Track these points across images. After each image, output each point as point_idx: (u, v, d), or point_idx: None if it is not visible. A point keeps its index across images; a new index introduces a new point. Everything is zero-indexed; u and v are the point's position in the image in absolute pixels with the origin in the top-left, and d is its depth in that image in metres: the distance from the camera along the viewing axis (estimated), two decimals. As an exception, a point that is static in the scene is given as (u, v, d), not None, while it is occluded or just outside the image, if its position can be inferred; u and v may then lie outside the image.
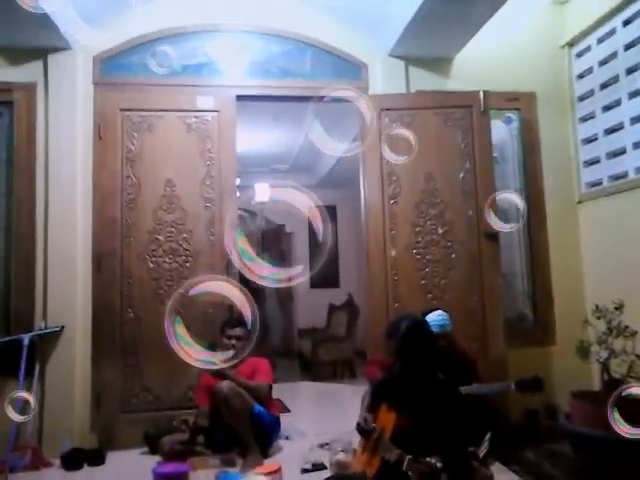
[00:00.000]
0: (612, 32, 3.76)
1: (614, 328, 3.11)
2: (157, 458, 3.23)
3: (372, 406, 2.63)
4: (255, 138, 6.33)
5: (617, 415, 2.17)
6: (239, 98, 3.88)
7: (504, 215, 3.96)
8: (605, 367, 3.01)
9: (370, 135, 3.80)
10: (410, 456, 2.22)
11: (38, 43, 3.61)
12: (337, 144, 2.62)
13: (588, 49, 4.04)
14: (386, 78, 4.02)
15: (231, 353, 2.54)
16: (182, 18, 3.90)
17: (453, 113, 3.87)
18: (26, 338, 3.32)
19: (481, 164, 3.82)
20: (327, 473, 2.86)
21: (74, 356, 3.55)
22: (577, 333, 3.46)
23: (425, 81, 4.06)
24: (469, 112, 3.85)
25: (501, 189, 3.98)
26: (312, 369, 6.58)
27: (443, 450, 2.25)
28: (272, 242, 8.48)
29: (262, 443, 3.23)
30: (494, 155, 3.95)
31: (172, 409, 3.53)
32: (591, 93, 4.02)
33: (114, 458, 3.37)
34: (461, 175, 3.82)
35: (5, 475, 3.02)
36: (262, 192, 6.59)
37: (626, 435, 2.17)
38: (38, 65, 3.70)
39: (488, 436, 2.62)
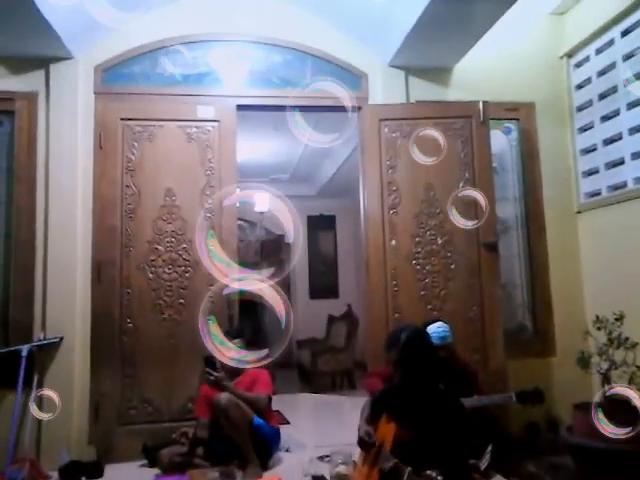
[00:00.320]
0: (611, 43, 3.79)
1: (614, 339, 3.11)
2: (156, 471, 3.21)
3: (372, 417, 2.61)
4: (255, 148, 6.34)
5: (601, 415, 2.17)
6: (239, 108, 3.89)
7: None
8: (606, 378, 3.01)
9: (370, 145, 3.83)
10: (410, 468, 2.20)
11: (40, 53, 3.63)
12: (321, 136, 2.64)
13: (587, 59, 4.06)
14: (386, 88, 4.04)
15: (264, 352, 2.48)
16: (183, 28, 3.91)
17: (453, 123, 3.88)
18: (25, 349, 3.30)
19: (480, 174, 3.83)
20: (327, 485, 2.83)
21: (73, 367, 3.53)
22: (577, 344, 3.46)
23: (425, 91, 4.07)
24: (468, 122, 3.86)
25: (500, 199, 4.00)
26: (311, 380, 6.54)
27: (444, 462, 2.24)
28: (271, 252, 8.48)
29: (262, 455, 3.20)
30: (493, 165, 3.96)
31: (171, 421, 3.49)
32: (590, 103, 4.03)
33: (112, 471, 3.33)
34: (461, 185, 3.82)
35: (3, 487, 3.00)
36: (261, 202, 6.59)
37: (610, 435, 2.16)
38: (40, 74, 3.71)
39: (489, 448, 2.60)
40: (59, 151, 3.66)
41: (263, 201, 6.61)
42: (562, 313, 4.02)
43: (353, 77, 4.07)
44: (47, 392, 2.69)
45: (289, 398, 5.73)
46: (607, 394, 2.22)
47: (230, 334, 3.37)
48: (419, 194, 3.81)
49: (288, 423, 4.40)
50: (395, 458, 2.26)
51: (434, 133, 3.00)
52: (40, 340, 3.46)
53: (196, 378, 3.52)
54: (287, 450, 3.59)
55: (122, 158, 3.69)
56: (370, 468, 2.46)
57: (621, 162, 3.72)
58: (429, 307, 3.72)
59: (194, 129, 3.79)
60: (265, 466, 3.23)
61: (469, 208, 3.78)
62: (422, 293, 3.74)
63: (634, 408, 2.28)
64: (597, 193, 3.97)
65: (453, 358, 3.19)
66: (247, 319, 5.24)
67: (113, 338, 3.55)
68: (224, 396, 3.14)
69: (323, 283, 8.62)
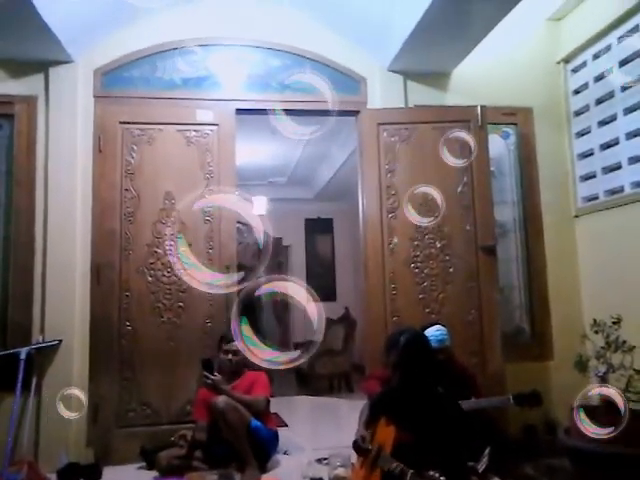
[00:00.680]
0: (607, 48, 3.82)
1: (612, 343, 3.12)
2: (154, 473, 3.21)
3: (371, 420, 2.62)
4: (253, 151, 6.35)
5: (583, 415, 2.19)
6: (238, 112, 3.91)
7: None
8: (604, 382, 3.01)
9: (369, 149, 3.85)
10: (412, 470, 2.21)
11: (40, 56, 3.63)
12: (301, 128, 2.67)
13: (584, 65, 4.09)
14: (384, 92, 4.06)
15: (296, 353, 2.48)
16: (183, 32, 3.92)
17: (451, 127, 3.88)
18: (23, 352, 3.30)
19: (479, 178, 3.85)
20: (326, 488, 2.85)
21: (71, 370, 3.53)
22: (575, 347, 3.47)
23: (423, 95, 4.09)
24: (467, 127, 3.86)
25: (498, 203, 4.02)
26: (309, 383, 6.55)
27: (443, 464, 2.24)
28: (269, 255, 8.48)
29: (260, 458, 3.21)
30: (492, 169, 3.98)
31: (170, 423, 3.49)
32: (587, 108, 4.06)
33: (110, 473, 3.32)
34: (459, 189, 3.84)
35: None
36: (259, 205, 6.61)
37: (592, 435, 2.18)
38: (39, 78, 3.72)
39: (487, 451, 2.61)
40: (58, 154, 3.67)
41: (261, 204, 6.65)
42: (560, 316, 4.03)
43: (352, 81, 4.09)
44: (74, 391, 2.67)
45: (286, 400, 5.73)
46: (589, 394, 2.25)
47: (228, 337, 3.40)
48: (418, 198, 3.82)
49: (286, 426, 4.41)
50: (395, 460, 2.27)
51: (465, 136, 3.02)
52: (39, 343, 3.46)
53: (195, 381, 3.53)
54: (285, 453, 3.60)
55: (121, 161, 3.70)
56: (369, 471, 2.47)
57: (618, 167, 3.74)
58: (427, 310, 3.73)
59: (193, 133, 3.80)
60: (263, 469, 3.23)
61: (467, 211, 3.82)
62: (420, 296, 3.75)
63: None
64: (594, 197, 3.99)
65: (451, 361, 3.19)
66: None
67: (112, 341, 3.55)
68: (222, 399, 3.14)
69: (321, 286, 8.62)
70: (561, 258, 4.11)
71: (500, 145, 4.20)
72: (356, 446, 2.55)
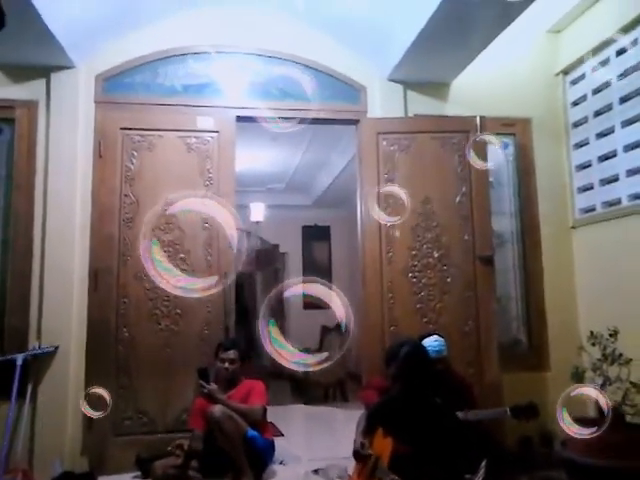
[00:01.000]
0: (606, 61, 3.84)
1: (609, 355, 3.13)
2: (149, 482, 3.19)
3: (368, 430, 2.61)
4: (252, 158, 6.36)
5: (566, 415, 2.20)
6: (239, 119, 3.91)
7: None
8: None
9: (368, 157, 3.85)
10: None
11: (41, 61, 3.63)
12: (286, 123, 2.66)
13: (582, 77, 4.12)
14: (384, 102, 4.07)
15: (325, 355, 2.46)
16: (185, 39, 3.93)
17: (450, 137, 3.91)
18: (20, 358, 3.27)
19: (477, 188, 3.86)
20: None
21: (67, 377, 3.50)
22: (571, 359, 3.48)
23: (423, 105, 4.11)
24: (466, 137, 3.89)
25: (496, 213, 4.03)
26: (303, 391, 6.52)
27: (440, 477, 2.24)
28: (266, 261, 8.50)
29: (256, 468, 3.19)
30: (490, 179, 3.99)
31: (166, 432, 3.47)
32: (585, 120, 4.08)
33: (105, 482, 3.31)
34: (457, 199, 3.86)
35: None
36: (257, 211, 6.61)
37: (575, 435, 2.19)
38: (41, 83, 3.71)
39: (484, 463, 2.60)
40: (58, 159, 3.66)
41: (259, 211, 6.66)
42: (556, 328, 4.04)
43: (352, 90, 4.10)
44: (98, 390, 2.62)
45: (281, 409, 5.69)
46: (572, 394, 2.26)
47: (224, 346, 3.39)
48: (416, 207, 3.82)
49: (282, 435, 4.39)
50: (393, 472, 2.27)
51: (492, 139, 3.06)
52: (35, 349, 3.43)
53: (191, 389, 3.51)
54: (281, 463, 3.58)
55: (121, 167, 3.69)
56: (366, 482, 2.46)
57: (615, 179, 3.76)
58: (425, 320, 3.73)
59: (193, 139, 3.80)
60: (259, 478, 3.21)
61: (465, 221, 3.83)
62: (418, 306, 3.75)
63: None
64: (592, 209, 4.01)
65: (448, 371, 3.19)
66: (242, 330, 5.22)
67: (109, 347, 3.53)
68: (218, 408, 3.13)
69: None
70: (558, 269, 4.12)
71: (499, 155, 4.21)
72: (357, 454, 2.54)
